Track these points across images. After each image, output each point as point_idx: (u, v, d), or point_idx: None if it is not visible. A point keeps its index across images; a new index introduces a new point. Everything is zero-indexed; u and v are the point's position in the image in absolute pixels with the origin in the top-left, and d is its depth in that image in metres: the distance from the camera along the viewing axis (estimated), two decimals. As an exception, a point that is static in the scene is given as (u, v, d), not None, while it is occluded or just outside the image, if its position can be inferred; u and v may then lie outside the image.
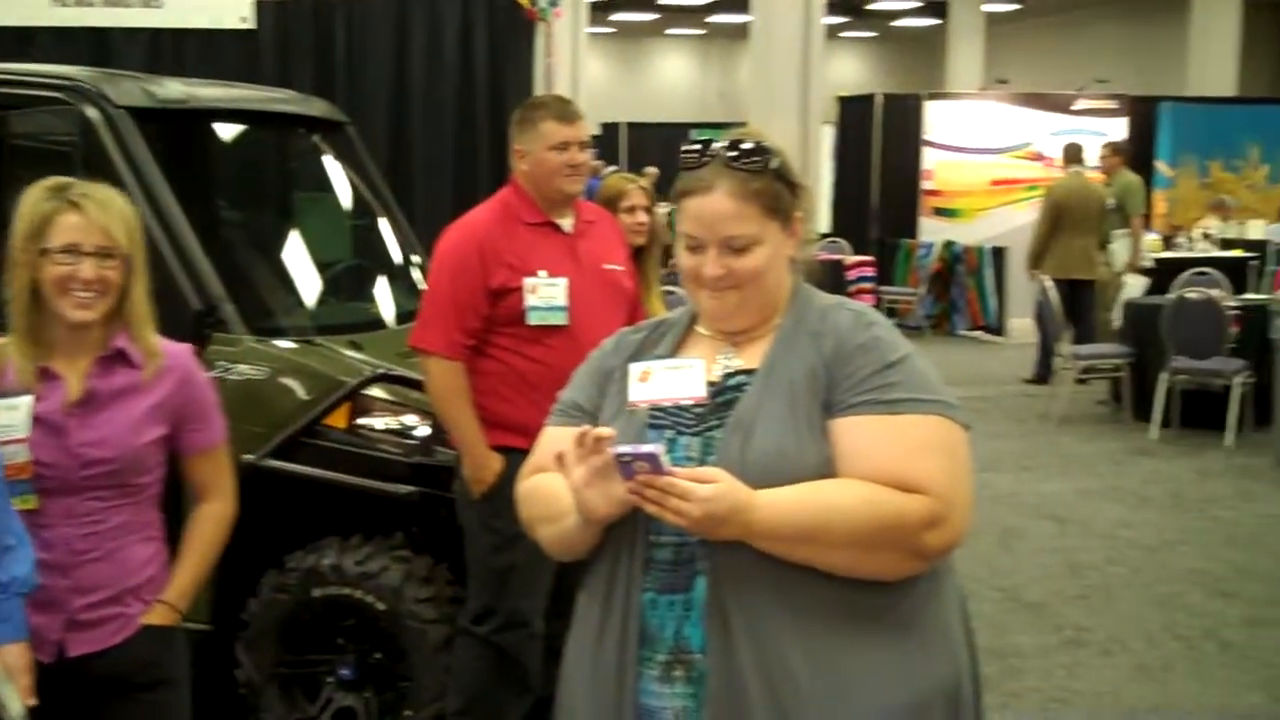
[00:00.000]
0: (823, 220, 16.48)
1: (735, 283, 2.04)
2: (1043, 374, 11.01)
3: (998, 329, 14.30)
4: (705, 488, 1.87)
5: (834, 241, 15.52)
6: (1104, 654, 5.29)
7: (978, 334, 14.48)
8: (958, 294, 14.72)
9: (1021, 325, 12.86)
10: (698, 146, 2.07)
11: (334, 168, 5.32)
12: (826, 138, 16.43)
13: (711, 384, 2.04)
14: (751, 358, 2.08)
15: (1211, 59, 19.05)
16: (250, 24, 7.38)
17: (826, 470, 1.96)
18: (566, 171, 3.80)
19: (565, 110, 3.88)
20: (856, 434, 1.96)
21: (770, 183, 2.05)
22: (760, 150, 2.05)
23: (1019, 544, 6.80)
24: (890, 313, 14.86)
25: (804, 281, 2.15)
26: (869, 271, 14.67)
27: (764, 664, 1.93)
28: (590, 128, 4.05)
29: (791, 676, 1.92)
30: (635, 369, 2.05)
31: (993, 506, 7.47)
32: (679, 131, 20.46)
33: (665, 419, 2.06)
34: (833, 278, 14.07)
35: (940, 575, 2.07)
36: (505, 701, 3.91)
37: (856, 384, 1.99)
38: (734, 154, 2.04)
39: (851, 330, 2.04)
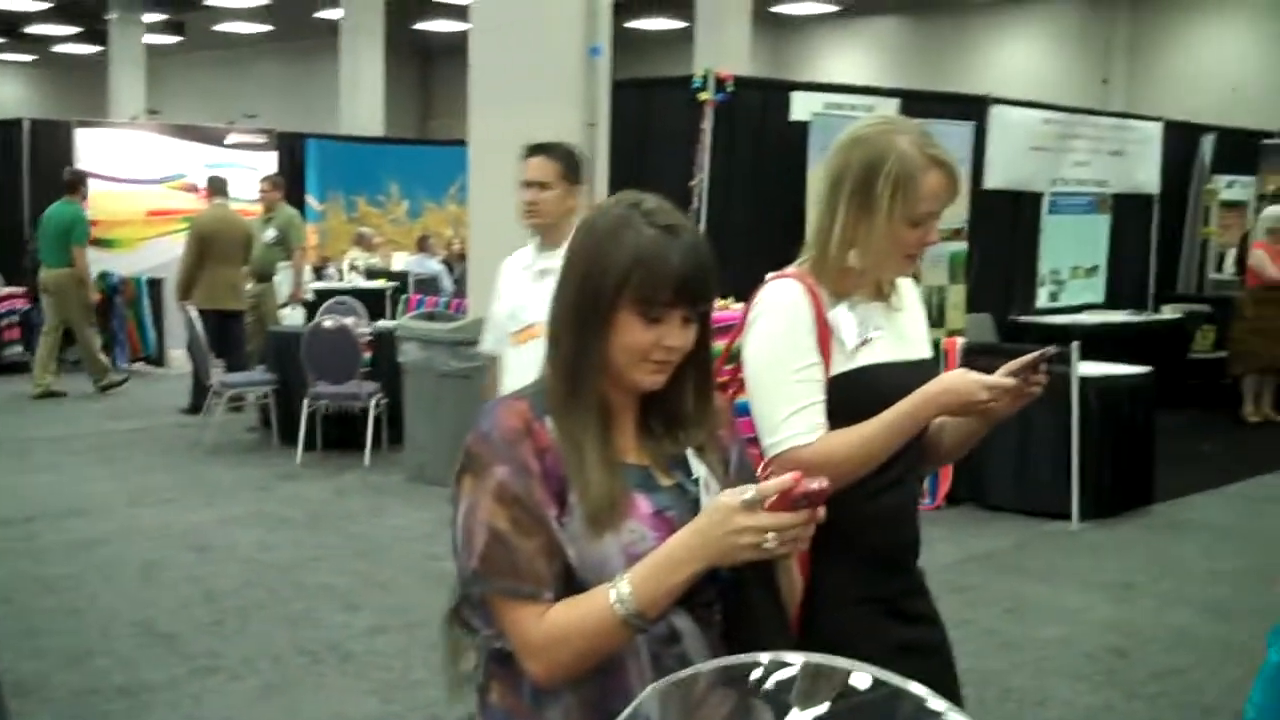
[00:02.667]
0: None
1: None
2: (197, 404, 11.04)
3: (158, 360, 14.17)
4: None
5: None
6: (233, 678, 5.36)
7: (139, 366, 14.21)
8: (118, 325, 14.33)
9: (181, 356, 12.80)
10: None
11: None
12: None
13: None
14: None
15: (360, 101, 20.13)
16: None
17: None
18: None
19: None
20: None
21: None
22: None
23: (160, 575, 6.76)
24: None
25: None
26: (21, 304, 13.95)
27: None
28: None
29: None
30: None
31: (136, 541, 7.39)
32: None
33: None
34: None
35: None
36: None
37: None
38: None
39: None
